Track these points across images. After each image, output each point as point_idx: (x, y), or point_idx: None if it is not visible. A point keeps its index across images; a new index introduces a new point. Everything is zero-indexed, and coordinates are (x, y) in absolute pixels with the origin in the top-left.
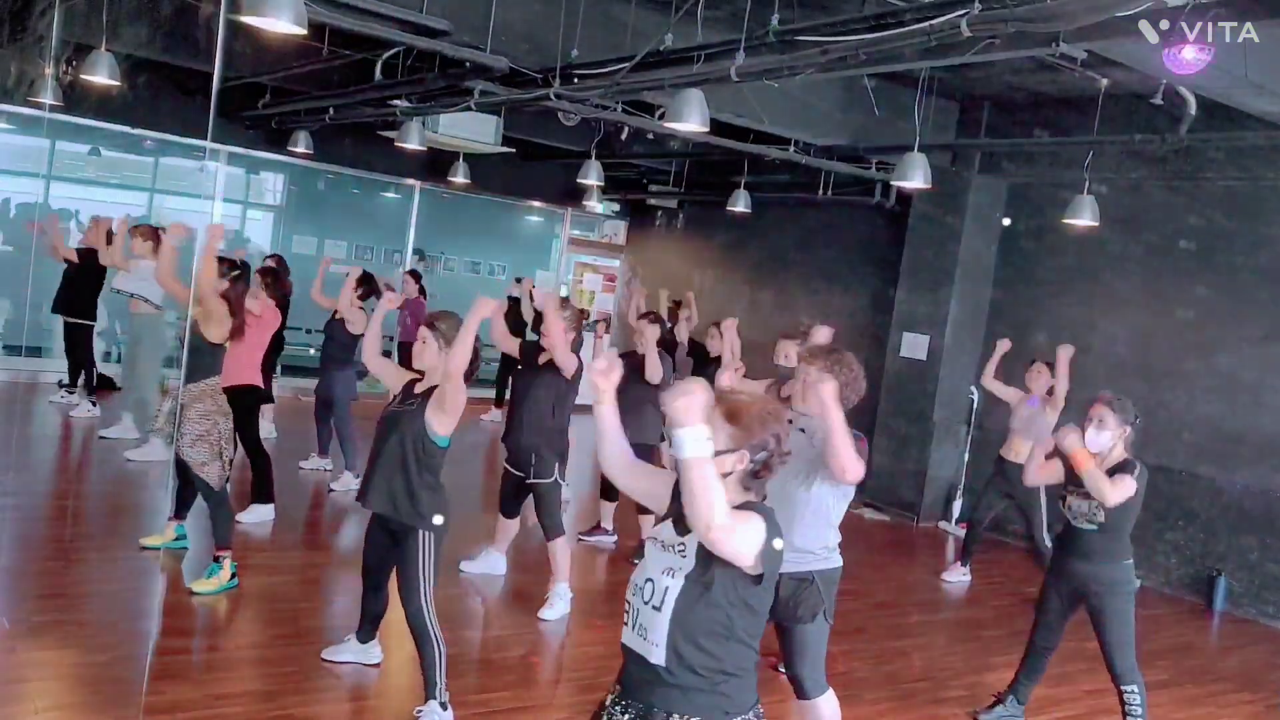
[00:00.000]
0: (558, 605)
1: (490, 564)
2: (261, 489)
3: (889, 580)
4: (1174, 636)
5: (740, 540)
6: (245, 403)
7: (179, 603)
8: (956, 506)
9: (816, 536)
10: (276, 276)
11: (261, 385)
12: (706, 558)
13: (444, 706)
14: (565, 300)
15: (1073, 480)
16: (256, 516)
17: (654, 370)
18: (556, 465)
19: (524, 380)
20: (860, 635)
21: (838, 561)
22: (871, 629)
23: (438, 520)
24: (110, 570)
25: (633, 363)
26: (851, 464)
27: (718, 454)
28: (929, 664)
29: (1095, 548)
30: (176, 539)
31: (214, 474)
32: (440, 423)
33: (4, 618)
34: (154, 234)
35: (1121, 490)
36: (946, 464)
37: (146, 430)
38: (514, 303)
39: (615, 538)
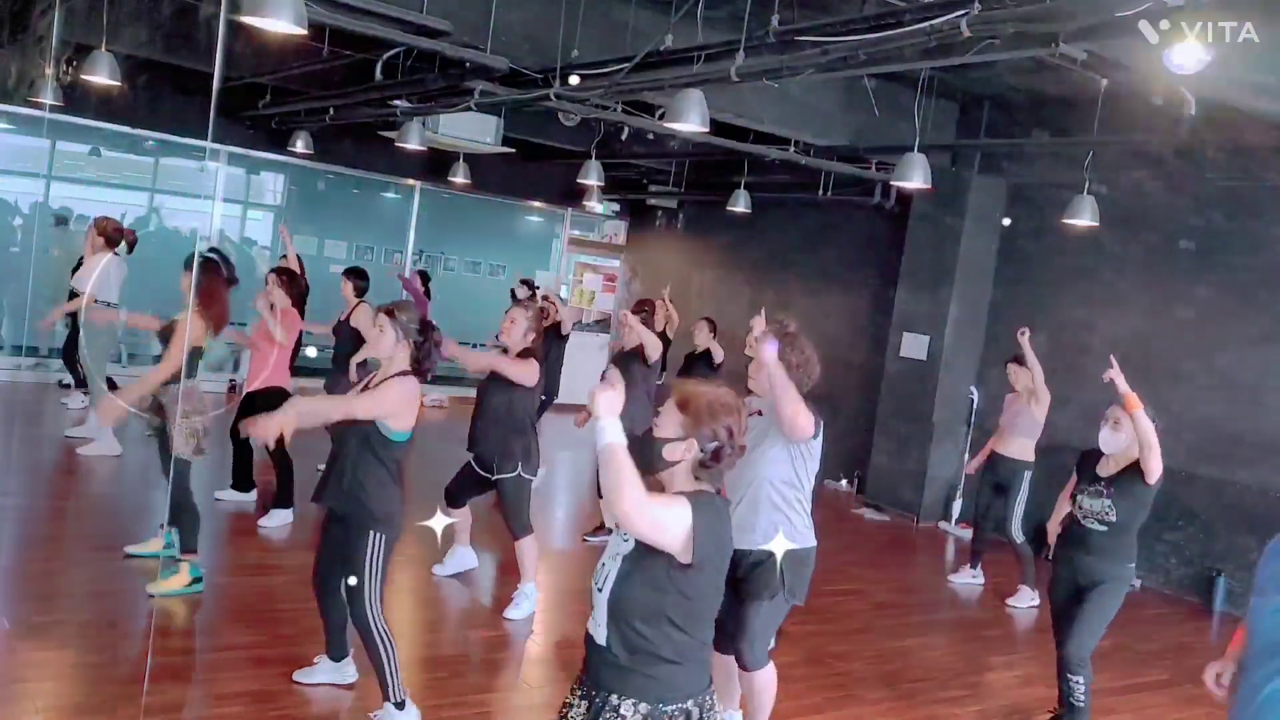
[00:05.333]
0: (523, 605)
1: (460, 560)
2: (282, 494)
3: (889, 580)
4: (1174, 636)
5: (655, 522)
6: (274, 405)
7: (179, 602)
8: (956, 507)
9: (780, 517)
10: (293, 276)
11: (289, 389)
12: (642, 543)
13: (400, 706)
14: (533, 295)
15: (1085, 479)
16: (277, 520)
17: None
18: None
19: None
20: (860, 635)
21: (809, 541)
22: (871, 629)
23: (385, 520)
24: (110, 570)
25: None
26: (799, 416)
27: (667, 442)
28: (929, 664)
29: (1103, 546)
30: (167, 546)
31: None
32: (393, 419)
33: (4, 618)
34: (116, 230)
35: (1157, 456)
36: (946, 464)
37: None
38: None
39: None
